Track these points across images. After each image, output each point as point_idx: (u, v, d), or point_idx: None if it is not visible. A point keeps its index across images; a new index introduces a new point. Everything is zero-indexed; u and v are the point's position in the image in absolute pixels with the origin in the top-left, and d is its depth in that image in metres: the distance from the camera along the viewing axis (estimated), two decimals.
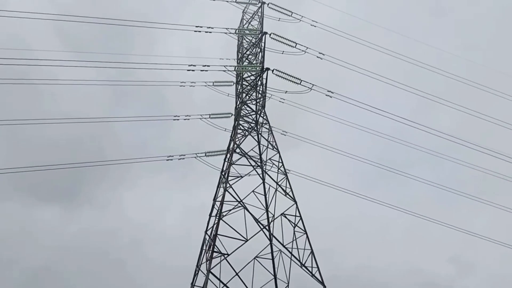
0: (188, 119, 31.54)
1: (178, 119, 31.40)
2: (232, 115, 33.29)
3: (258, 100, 33.23)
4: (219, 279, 22.68)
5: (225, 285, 22.61)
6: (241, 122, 32.19)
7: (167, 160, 29.73)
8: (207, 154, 31.11)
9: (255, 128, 32.05)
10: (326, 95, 32.04)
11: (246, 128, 31.97)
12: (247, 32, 34.77)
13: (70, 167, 26.60)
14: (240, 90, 33.52)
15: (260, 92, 33.11)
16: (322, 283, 25.63)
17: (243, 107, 32.80)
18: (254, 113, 32.88)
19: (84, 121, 28.31)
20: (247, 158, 30.31)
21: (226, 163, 29.87)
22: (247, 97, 33.33)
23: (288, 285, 26.28)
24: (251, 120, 32.66)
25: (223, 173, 29.34)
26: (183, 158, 30.05)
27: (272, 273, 26.84)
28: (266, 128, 32.70)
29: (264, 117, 33.06)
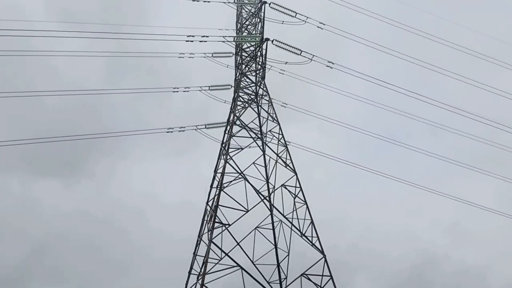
0: (188, 91, 31.33)
1: (177, 91, 31.18)
2: (231, 86, 33.04)
3: (257, 72, 32.91)
4: (220, 249, 23.06)
5: (226, 254, 22.99)
6: (240, 94, 31.97)
7: (167, 132, 29.70)
8: (207, 126, 31.05)
9: (255, 100, 31.87)
10: (327, 66, 31.71)
11: (246, 100, 31.80)
12: (246, 1, 34.08)
13: (69, 139, 26.57)
14: (240, 61, 33.13)
15: (260, 63, 32.75)
16: (322, 252, 26.06)
17: (242, 79, 32.50)
18: (254, 84, 32.62)
19: (81, 93, 28.11)
20: (247, 130, 30.28)
21: (226, 135, 29.86)
22: (247, 68, 32.99)
23: (288, 254, 26.79)
24: (251, 92, 32.45)
25: (223, 145, 29.38)
26: (183, 130, 30.01)
27: (273, 243, 27.31)
28: (266, 100, 32.51)
29: (264, 88, 32.81)
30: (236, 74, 33.21)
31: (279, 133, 30.82)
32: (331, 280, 25.18)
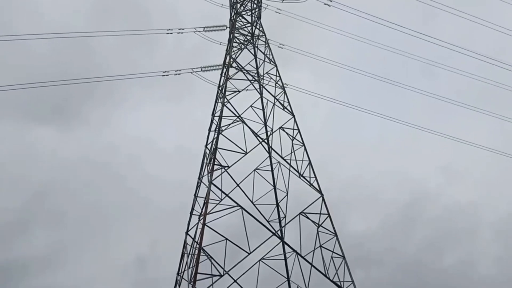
0: (182, 33, 30.35)
1: (171, 33, 30.21)
2: (227, 27, 32.02)
3: (253, 11, 31.78)
4: (221, 190, 23.47)
5: (227, 195, 23.44)
6: (236, 35, 31.09)
7: (162, 75, 29.15)
8: (203, 69, 30.42)
9: (251, 40, 31.06)
10: (325, 4, 30.65)
11: (242, 41, 30.97)
12: None
13: (62, 84, 26.02)
14: (235, 0, 31.88)
15: (256, 1, 31.54)
16: (319, 191, 26.64)
17: (238, 19, 31.44)
18: (249, 24, 31.62)
19: (72, 35, 27.15)
20: (243, 72, 29.77)
21: (222, 78, 29.38)
22: (242, 7, 31.81)
23: (287, 195, 27.39)
24: (246, 33, 31.54)
25: (220, 88, 29.00)
26: (179, 74, 29.43)
27: (272, 184, 27.83)
28: (263, 41, 31.70)
29: (260, 29, 31.89)
30: (231, 14, 32.08)
31: (276, 75, 30.39)
32: (328, 218, 25.97)
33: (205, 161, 26.18)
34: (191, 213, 24.19)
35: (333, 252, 24.78)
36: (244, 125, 26.61)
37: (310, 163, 27.63)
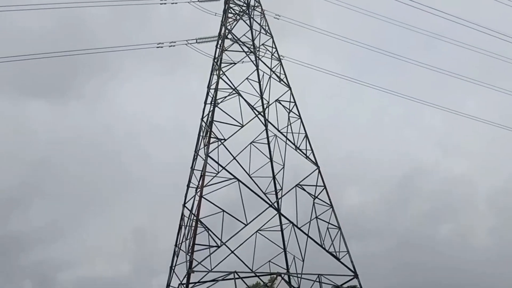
0: (176, 3, 29.68)
1: (165, 3, 29.56)
2: None
3: None
4: (217, 162, 23.51)
5: (223, 168, 23.50)
6: (231, 5, 30.44)
7: (157, 47, 28.64)
8: (198, 40, 29.90)
9: (247, 11, 30.44)
10: None
11: (237, 12, 30.35)
12: None
13: (53, 56, 25.50)
14: None
15: None
16: (316, 164, 26.72)
17: None
18: None
19: (64, 6, 26.47)
20: (239, 44, 29.33)
21: (218, 49, 28.95)
22: None
23: (283, 167, 27.46)
24: (242, 3, 30.87)
25: (215, 60, 28.61)
26: (174, 45, 28.92)
27: (268, 157, 27.88)
28: (258, 12, 31.05)
29: None
30: None
31: (272, 47, 29.95)
32: (324, 190, 26.14)
33: (201, 134, 26.10)
34: (188, 186, 24.29)
35: (329, 223, 25.06)
36: (240, 97, 26.41)
37: (306, 136, 27.60)
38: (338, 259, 23.90)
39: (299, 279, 24.18)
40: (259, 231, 25.48)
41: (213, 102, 25.85)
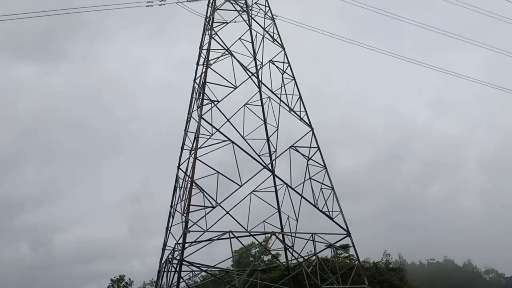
0: None
1: None
2: None
3: None
4: (211, 124, 23.36)
5: (217, 130, 23.39)
6: None
7: (146, 6, 27.73)
8: None
9: None
10: None
11: None
12: None
13: (40, 15, 24.62)
14: None
15: None
16: (309, 125, 26.68)
17: None
18: None
19: None
20: (231, 2, 28.49)
21: (210, 8, 28.12)
22: None
23: (277, 129, 27.42)
24: None
25: (207, 20, 27.86)
26: (164, 4, 28.03)
27: (262, 119, 27.75)
28: None
29: None
30: None
31: (265, 5, 29.15)
32: (318, 151, 26.25)
33: (194, 95, 25.78)
34: (182, 148, 24.22)
35: (322, 184, 25.32)
36: (232, 58, 25.94)
37: (300, 97, 27.39)
38: (331, 219, 24.32)
39: (293, 238, 24.71)
40: (253, 192, 25.75)
41: (205, 63, 25.37)
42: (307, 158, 26.04)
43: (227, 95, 24.76)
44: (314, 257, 24.63)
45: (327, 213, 24.38)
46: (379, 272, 40.26)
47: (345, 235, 24.36)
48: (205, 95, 24.05)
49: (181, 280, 19.73)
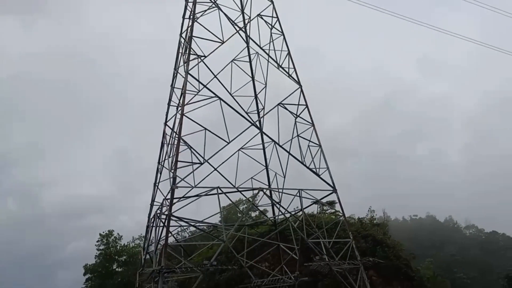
0: None
1: None
2: None
3: None
4: (198, 80, 22.93)
5: (204, 86, 23.01)
6: None
7: None
8: None
9: None
10: None
11: None
12: None
13: None
14: None
15: None
16: (298, 82, 26.40)
17: None
18: None
19: None
20: None
21: None
22: None
23: (265, 86, 27.12)
24: None
25: None
26: None
27: (250, 75, 27.34)
28: None
29: None
30: None
31: None
32: (306, 108, 26.15)
33: (180, 50, 25.11)
34: (168, 104, 23.86)
35: (310, 141, 25.41)
36: (220, 12, 25.13)
37: (289, 53, 26.93)
38: (318, 175, 24.60)
39: (280, 194, 25.03)
40: (241, 149, 25.82)
41: (191, 17, 24.56)
42: (295, 115, 25.97)
43: (214, 50, 24.18)
44: (300, 213, 25.09)
45: (314, 170, 24.62)
46: (363, 228, 41.35)
47: (331, 191, 24.74)
48: (191, 50, 23.44)
49: (170, 234, 20.01)
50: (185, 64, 22.82)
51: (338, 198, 24.87)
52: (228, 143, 22.15)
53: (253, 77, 27.19)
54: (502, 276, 58.80)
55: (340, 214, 25.94)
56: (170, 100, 23.81)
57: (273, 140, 24.87)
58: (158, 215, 20.40)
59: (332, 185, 24.66)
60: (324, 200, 26.31)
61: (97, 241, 48.15)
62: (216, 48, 24.26)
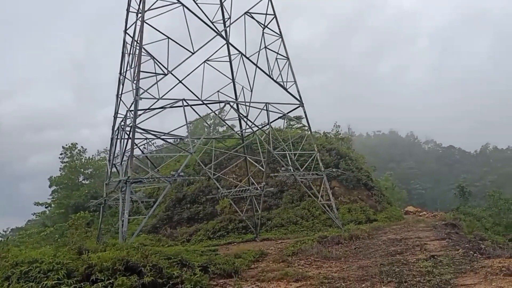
0: None
1: None
2: None
3: None
4: None
5: None
6: None
7: None
8: None
9: None
10: None
11: None
12: None
13: None
14: None
15: None
16: None
17: None
18: None
19: None
20: None
21: None
22: None
23: None
24: None
25: None
26: None
27: None
28: None
29: None
30: None
31: None
32: (274, 19, 25.10)
33: None
34: (127, 10, 22.23)
35: (277, 53, 24.76)
36: None
37: None
38: (285, 89, 24.37)
39: (247, 107, 24.87)
40: (207, 61, 24.97)
41: None
42: (262, 25, 24.97)
43: None
44: (267, 127, 25.24)
45: (281, 83, 24.31)
46: (328, 142, 42.63)
47: (298, 105, 24.73)
48: None
49: (135, 146, 19.84)
50: None
51: (305, 112, 24.99)
52: (193, 53, 21.21)
53: None
54: (455, 186, 63.37)
55: (306, 128, 26.32)
56: (129, 5, 22.13)
57: (240, 52, 24.08)
58: (123, 127, 19.99)
59: (299, 99, 24.59)
60: (291, 115, 26.46)
61: (61, 154, 47.83)
62: None
